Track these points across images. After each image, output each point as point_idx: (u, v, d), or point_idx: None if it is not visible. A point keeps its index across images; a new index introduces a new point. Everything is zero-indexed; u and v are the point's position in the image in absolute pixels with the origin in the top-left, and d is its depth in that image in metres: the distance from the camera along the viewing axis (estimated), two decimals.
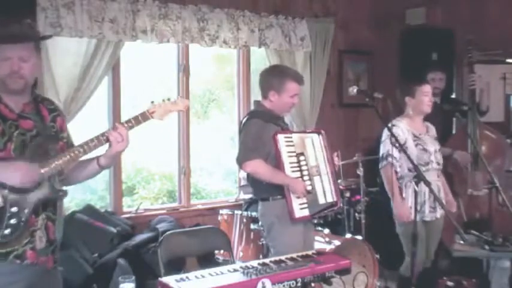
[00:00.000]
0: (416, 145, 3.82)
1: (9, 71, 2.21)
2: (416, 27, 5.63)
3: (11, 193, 2.15)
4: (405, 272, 3.91)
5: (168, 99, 2.40)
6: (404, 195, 3.86)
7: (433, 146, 3.91)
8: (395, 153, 3.85)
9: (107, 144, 2.32)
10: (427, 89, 3.91)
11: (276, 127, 3.41)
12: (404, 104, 3.96)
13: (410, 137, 3.84)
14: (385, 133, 3.90)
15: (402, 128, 3.84)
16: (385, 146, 3.88)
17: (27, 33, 2.28)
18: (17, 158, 2.22)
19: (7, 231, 2.15)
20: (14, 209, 2.16)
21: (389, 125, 3.85)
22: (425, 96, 3.89)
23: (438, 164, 3.92)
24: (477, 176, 4.55)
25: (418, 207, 3.75)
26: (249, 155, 3.30)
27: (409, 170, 3.81)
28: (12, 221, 2.16)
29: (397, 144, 3.80)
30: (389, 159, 3.86)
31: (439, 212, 3.86)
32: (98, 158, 2.38)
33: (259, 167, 3.31)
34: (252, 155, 3.29)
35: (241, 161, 3.32)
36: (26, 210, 2.20)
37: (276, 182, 3.33)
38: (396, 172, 3.88)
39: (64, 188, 2.38)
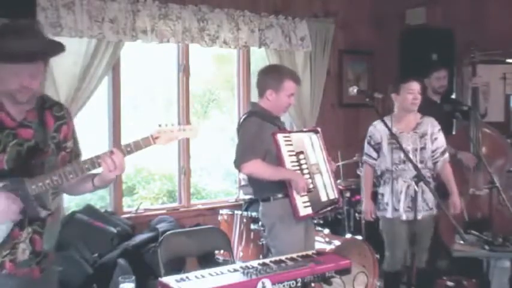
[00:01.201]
0: (389, 143, 3.83)
1: (19, 86, 2.11)
2: (416, 27, 5.63)
3: None
4: (387, 268, 3.99)
5: (176, 125, 2.23)
6: (381, 190, 3.97)
7: (412, 145, 3.87)
8: (371, 152, 4.00)
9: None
10: (412, 86, 3.87)
11: (273, 126, 3.42)
12: (392, 101, 3.98)
13: (385, 138, 3.88)
14: (368, 132, 4.04)
15: (379, 128, 3.91)
16: (364, 146, 4.07)
17: (43, 50, 2.16)
18: (8, 172, 2.13)
19: None
20: None
21: (372, 126, 4.00)
22: (409, 94, 3.86)
23: (421, 162, 3.86)
24: (479, 176, 4.55)
25: (396, 206, 3.85)
26: (245, 157, 3.28)
27: (387, 169, 3.91)
28: None
29: (372, 142, 3.99)
30: (364, 157, 4.05)
31: (422, 213, 3.80)
32: (93, 177, 2.26)
33: (257, 168, 3.30)
34: (249, 157, 3.28)
35: (238, 164, 3.31)
36: (5, 227, 2.11)
37: (278, 179, 3.32)
38: (376, 170, 4.02)
39: (46, 210, 2.23)
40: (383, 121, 3.48)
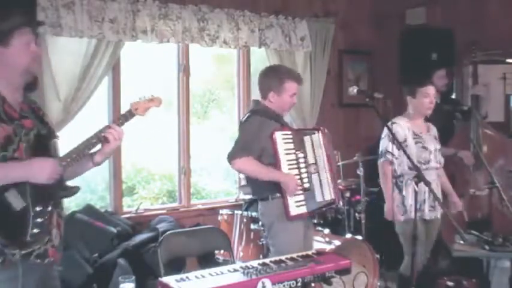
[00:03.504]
0: (416, 143, 3.84)
1: (34, 54, 2.27)
2: (416, 27, 5.63)
3: (32, 192, 2.18)
4: (405, 271, 3.92)
5: (145, 97, 2.58)
6: (404, 192, 3.87)
7: (433, 145, 3.93)
8: (395, 150, 3.85)
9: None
10: (428, 90, 3.89)
11: (276, 124, 3.43)
12: (406, 102, 3.98)
13: (410, 135, 3.86)
14: (385, 130, 3.92)
15: (402, 125, 3.86)
16: (384, 143, 3.92)
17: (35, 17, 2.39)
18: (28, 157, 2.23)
19: (36, 231, 2.19)
20: (38, 208, 2.20)
21: (390, 122, 3.87)
22: (425, 98, 3.88)
23: (438, 163, 3.93)
24: (479, 176, 4.55)
25: (418, 206, 3.77)
26: (237, 153, 3.31)
27: (410, 168, 3.80)
28: (39, 220, 2.20)
29: (395, 142, 3.84)
30: (388, 156, 3.89)
31: (439, 212, 3.88)
32: (92, 155, 2.44)
33: (247, 165, 3.33)
34: (241, 153, 3.30)
35: (230, 158, 3.34)
36: (49, 208, 2.25)
37: (267, 179, 3.34)
38: (395, 170, 3.89)
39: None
40: (388, 128, 3.46)
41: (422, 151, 3.83)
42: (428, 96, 3.88)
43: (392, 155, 3.88)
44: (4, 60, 2.21)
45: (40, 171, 2.18)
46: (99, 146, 2.42)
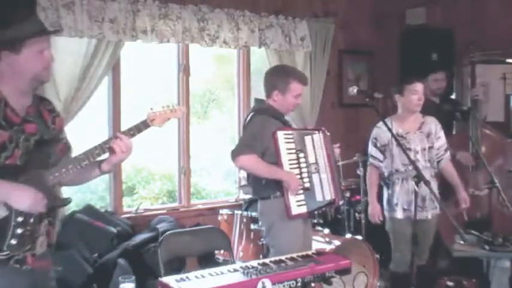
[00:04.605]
0: (397, 145, 3.82)
1: (47, 63, 2.23)
2: (416, 27, 5.63)
3: None
4: (395, 268, 3.96)
5: (167, 106, 2.37)
6: (390, 191, 3.93)
7: (420, 145, 3.89)
8: (378, 154, 3.95)
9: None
10: (416, 87, 3.87)
11: (278, 122, 3.45)
12: (396, 102, 3.98)
13: (394, 138, 3.84)
14: (372, 133, 4.01)
15: (385, 129, 3.76)
16: (368, 147, 4.03)
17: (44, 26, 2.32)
18: (22, 167, 2.19)
19: (13, 241, 2.13)
20: (20, 219, 2.14)
21: (376, 126, 3.98)
22: (413, 95, 3.87)
23: (429, 161, 3.90)
24: (478, 176, 4.55)
25: (406, 206, 3.81)
26: (242, 150, 3.34)
27: (396, 170, 3.86)
28: (19, 231, 2.14)
29: (378, 145, 3.95)
30: (372, 160, 3.99)
31: (431, 212, 3.86)
32: (99, 163, 2.35)
33: (250, 162, 3.35)
34: (245, 150, 3.33)
35: (234, 155, 3.36)
36: (32, 220, 2.18)
37: (269, 176, 3.36)
38: (383, 172, 3.98)
39: (67, 196, 2.39)
40: (385, 124, 3.47)
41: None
42: (416, 93, 3.87)
43: (376, 158, 3.97)
44: (14, 66, 2.19)
45: (20, 201, 2.11)
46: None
